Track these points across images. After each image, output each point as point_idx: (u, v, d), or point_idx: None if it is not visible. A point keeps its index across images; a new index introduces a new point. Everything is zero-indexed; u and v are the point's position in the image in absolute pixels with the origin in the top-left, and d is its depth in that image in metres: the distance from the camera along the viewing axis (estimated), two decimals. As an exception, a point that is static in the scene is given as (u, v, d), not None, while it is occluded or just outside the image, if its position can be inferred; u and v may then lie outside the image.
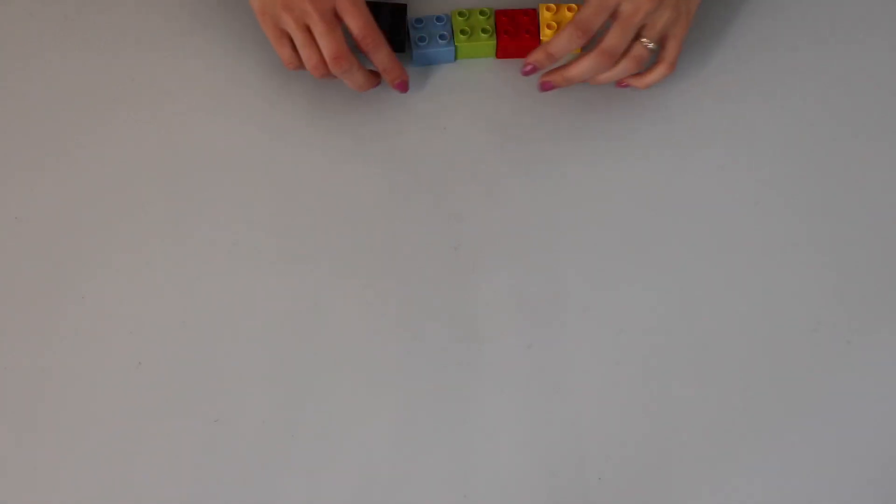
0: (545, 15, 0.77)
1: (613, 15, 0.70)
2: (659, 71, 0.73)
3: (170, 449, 0.66)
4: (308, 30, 0.69)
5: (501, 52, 0.78)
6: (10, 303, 0.70)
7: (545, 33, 0.76)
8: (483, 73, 0.78)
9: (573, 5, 0.76)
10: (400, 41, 0.77)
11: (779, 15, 0.80)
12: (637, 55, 0.71)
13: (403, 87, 0.75)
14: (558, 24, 0.76)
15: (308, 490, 0.65)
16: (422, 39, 0.76)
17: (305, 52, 0.70)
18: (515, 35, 0.77)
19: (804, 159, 0.75)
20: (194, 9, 0.79)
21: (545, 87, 0.74)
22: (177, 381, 0.68)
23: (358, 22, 0.69)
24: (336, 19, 0.69)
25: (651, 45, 0.71)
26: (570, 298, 0.70)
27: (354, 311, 0.70)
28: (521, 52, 0.77)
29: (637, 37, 0.71)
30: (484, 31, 0.77)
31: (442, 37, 0.76)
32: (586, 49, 0.72)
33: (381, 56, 0.72)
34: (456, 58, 0.78)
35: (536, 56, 0.72)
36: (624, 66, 0.71)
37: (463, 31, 0.77)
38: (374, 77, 0.74)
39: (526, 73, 0.73)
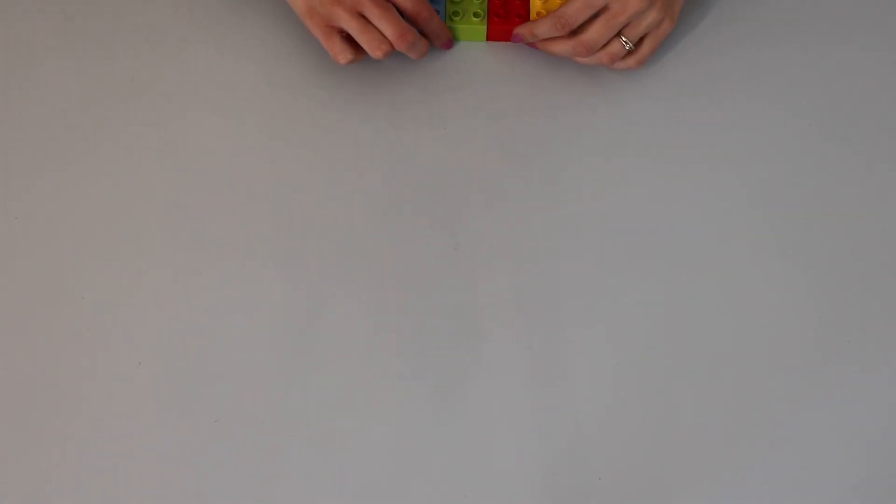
0: (535, 3, 0.77)
1: (601, 9, 0.72)
2: (626, 63, 0.75)
3: (170, 449, 0.66)
4: (361, 16, 0.71)
5: (492, 36, 0.78)
6: (9, 302, 0.70)
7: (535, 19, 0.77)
8: (478, 61, 0.78)
9: None
10: None
11: (778, 11, 0.80)
12: (613, 51, 0.73)
13: (449, 45, 0.78)
14: (548, 12, 0.77)
15: (308, 490, 0.65)
16: None
17: (366, 37, 0.71)
18: (506, 18, 0.77)
19: (804, 158, 0.75)
20: (195, 8, 0.79)
21: (516, 39, 0.77)
22: (177, 381, 0.68)
23: (411, 1, 0.72)
24: (387, 1, 0.71)
25: (629, 46, 0.73)
26: (571, 298, 0.70)
27: (354, 311, 0.70)
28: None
29: (618, 33, 0.73)
30: (475, 14, 0.77)
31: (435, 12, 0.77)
32: None
33: (434, 25, 0.75)
34: None
35: (522, 31, 0.75)
36: (597, 58, 0.74)
37: (455, 13, 0.77)
38: (427, 42, 0.76)
39: (511, 40, 0.77)
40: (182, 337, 0.69)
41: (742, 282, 0.71)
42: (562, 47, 0.74)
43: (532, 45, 0.77)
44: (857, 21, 0.79)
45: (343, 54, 0.72)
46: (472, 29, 0.77)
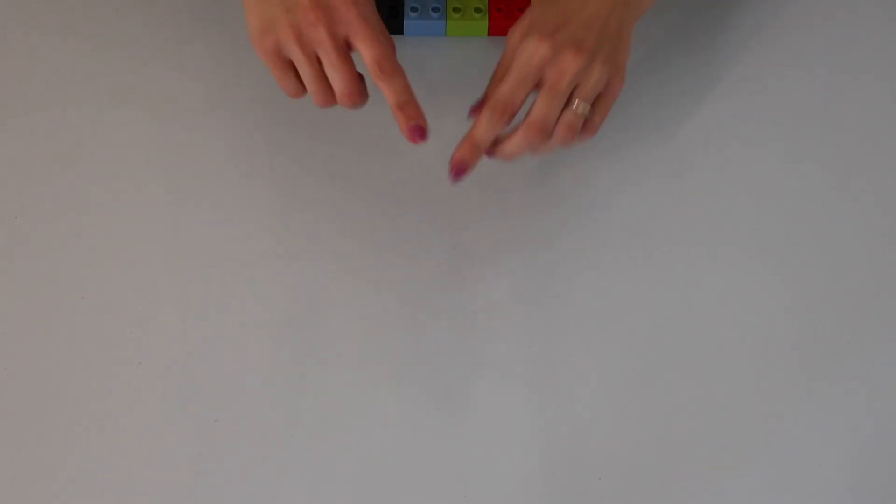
0: None
1: (538, 83, 0.63)
2: (581, 137, 0.65)
3: (170, 449, 0.66)
4: (316, 59, 0.62)
5: (494, 31, 0.78)
6: (9, 302, 0.70)
7: None
8: (480, 57, 0.78)
9: None
10: (399, 24, 0.77)
11: (780, 12, 0.79)
12: (569, 123, 0.64)
13: (419, 133, 0.63)
14: None
15: (308, 490, 0.65)
16: (414, 10, 0.76)
17: (314, 86, 0.63)
18: (508, 13, 0.77)
19: (804, 159, 0.75)
20: (195, 8, 0.79)
21: (459, 171, 0.64)
22: (177, 381, 0.68)
23: (374, 50, 0.62)
24: (348, 48, 0.62)
25: (582, 111, 0.64)
26: (571, 298, 0.70)
27: (354, 310, 0.70)
28: None
29: (568, 101, 0.63)
30: (477, 10, 0.77)
31: (435, 9, 0.77)
32: None
33: (397, 86, 0.63)
34: (447, 34, 0.78)
35: (461, 152, 0.64)
36: (559, 137, 0.64)
37: (456, 9, 0.77)
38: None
39: (456, 178, 0.64)
40: (182, 337, 0.69)
41: (742, 283, 0.71)
42: (515, 143, 0.64)
43: (463, 166, 0.64)
44: (847, 23, 0.79)
45: (297, 92, 0.64)
46: (473, 24, 0.77)
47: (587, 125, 0.65)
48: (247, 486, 0.65)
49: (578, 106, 0.63)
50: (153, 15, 0.78)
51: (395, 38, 0.77)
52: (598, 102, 0.65)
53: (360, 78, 0.63)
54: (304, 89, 0.64)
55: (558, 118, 0.64)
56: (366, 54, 0.62)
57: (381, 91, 0.63)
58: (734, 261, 0.71)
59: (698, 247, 0.72)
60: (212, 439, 0.66)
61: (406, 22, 0.77)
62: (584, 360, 0.69)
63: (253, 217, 0.72)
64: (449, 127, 0.75)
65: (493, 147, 0.65)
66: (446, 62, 0.78)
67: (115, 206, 0.72)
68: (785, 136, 0.75)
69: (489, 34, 0.79)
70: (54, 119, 0.75)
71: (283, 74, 0.63)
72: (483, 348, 0.69)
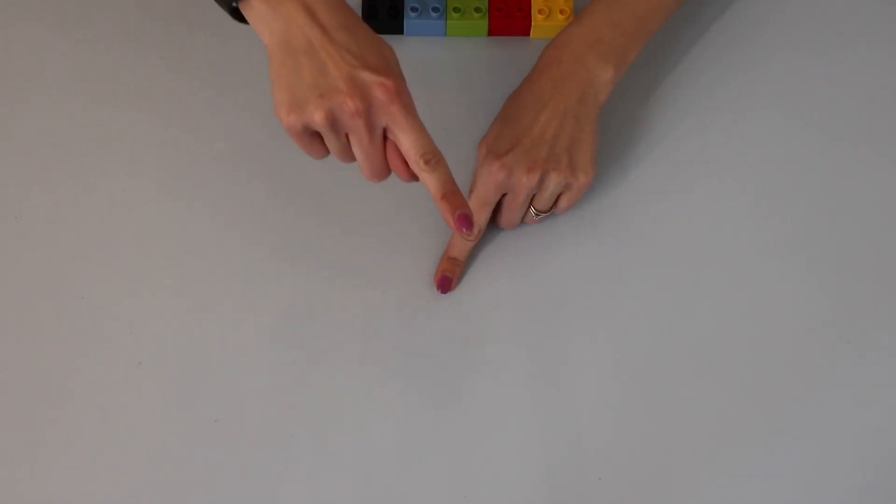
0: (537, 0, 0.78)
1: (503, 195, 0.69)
2: (553, 212, 0.72)
3: (170, 449, 0.66)
4: (346, 137, 0.59)
5: (494, 30, 0.78)
6: (9, 302, 0.70)
7: (536, 18, 0.77)
8: (480, 56, 0.78)
9: None
10: (399, 23, 0.77)
11: (778, 17, 0.79)
12: (533, 221, 0.71)
13: (465, 222, 0.58)
14: (549, 8, 0.77)
15: (308, 490, 0.65)
16: (414, 10, 0.77)
17: (342, 158, 0.61)
18: (508, 13, 0.77)
19: (804, 159, 0.75)
20: (196, 7, 0.79)
21: (444, 287, 0.70)
22: (177, 381, 0.68)
23: (420, 145, 0.58)
24: (384, 134, 0.59)
25: (539, 217, 0.71)
26: (570, 298, 0.70)
27: (354, 310, 0.70)
28: (514, 30, 0.78)
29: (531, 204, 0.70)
30: (477, 9, 0.77)
31: (435, 9, 0.77)
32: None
33: (442, 177, 0.58)
34: (447, 34, 0.78)
35: (442, 269, 0.70)
36: (528, 223, 0.72)
37: (456, 9, 0.77)
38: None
39: (444, 292, 0.70)
40: (182, 337, 0.69)
41: (742, 283, 0.71)
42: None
43: (448, 281, 0.70)
44: (855, 21, 0.79)
45: (321, 156, 0.62)
46: (473, 24, 0.77)
47: (556, 210, 0.71)
48: (246, 486, 0.65)
49: (536, 214, 0.70)
50: (153, 15, 0.78)
51: (395, 37, 0.77)
52: (563, 197, 0.70)
53: (385, 164, 0.61)
54: (328, 153, 0.62)
55: (524, 215, 0.71)
56: (409, 147, 0.58)
57: (423, 182, 0.59)
58: (734, 261, 0.72)
59: (698, 247, 0.72)
60: (212, 439, 0.66)
61: (406, 22, 0.77)
62: (584, 360, 0.69)
63: (253, 217, 0.72)
64: (449, 127, 0.75)
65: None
66: (446, 62, 0.78)
67: (115, 206, 0.72)
68: (784, 137, 0.75)
69: (489, 34, 0.79)
70: (54, 119, 0.75)
71: (308, 146, 0.61)
72: (483, 348, 0.69)
